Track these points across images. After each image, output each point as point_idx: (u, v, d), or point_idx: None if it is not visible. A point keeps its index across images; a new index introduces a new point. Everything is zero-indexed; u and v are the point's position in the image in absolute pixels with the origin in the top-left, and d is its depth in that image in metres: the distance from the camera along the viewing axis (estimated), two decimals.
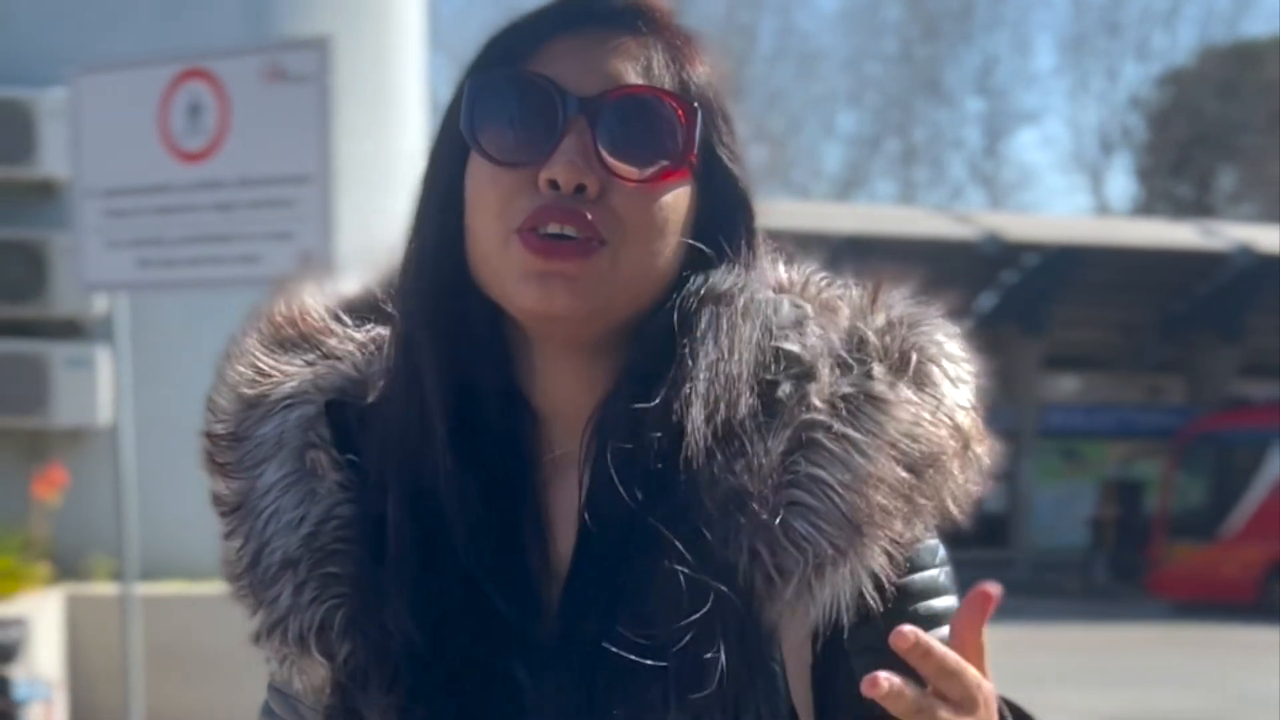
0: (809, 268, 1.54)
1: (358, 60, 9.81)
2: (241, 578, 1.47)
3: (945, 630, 1.39)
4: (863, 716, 1.33)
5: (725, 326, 1.42)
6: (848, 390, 1.42)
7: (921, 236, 26.63)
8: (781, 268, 1.53)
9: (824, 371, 1.43)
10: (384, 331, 1.53)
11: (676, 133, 1.42)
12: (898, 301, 1.50)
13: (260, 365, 1.52)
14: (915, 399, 1.43)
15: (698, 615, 1.35)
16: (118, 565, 7.92)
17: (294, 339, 1.54)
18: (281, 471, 1.47)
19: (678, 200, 1.43)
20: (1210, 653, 18.66)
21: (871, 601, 1.40)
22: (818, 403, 1.41)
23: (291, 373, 1.51)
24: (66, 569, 9.60)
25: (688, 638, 1.35)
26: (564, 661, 1.38)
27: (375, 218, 10.11)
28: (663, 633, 1.36)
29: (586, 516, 1.41)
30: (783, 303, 1.49)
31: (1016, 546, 29.30)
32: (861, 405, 1.41)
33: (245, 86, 6.95)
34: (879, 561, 1.39)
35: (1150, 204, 42.96)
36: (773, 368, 1.44)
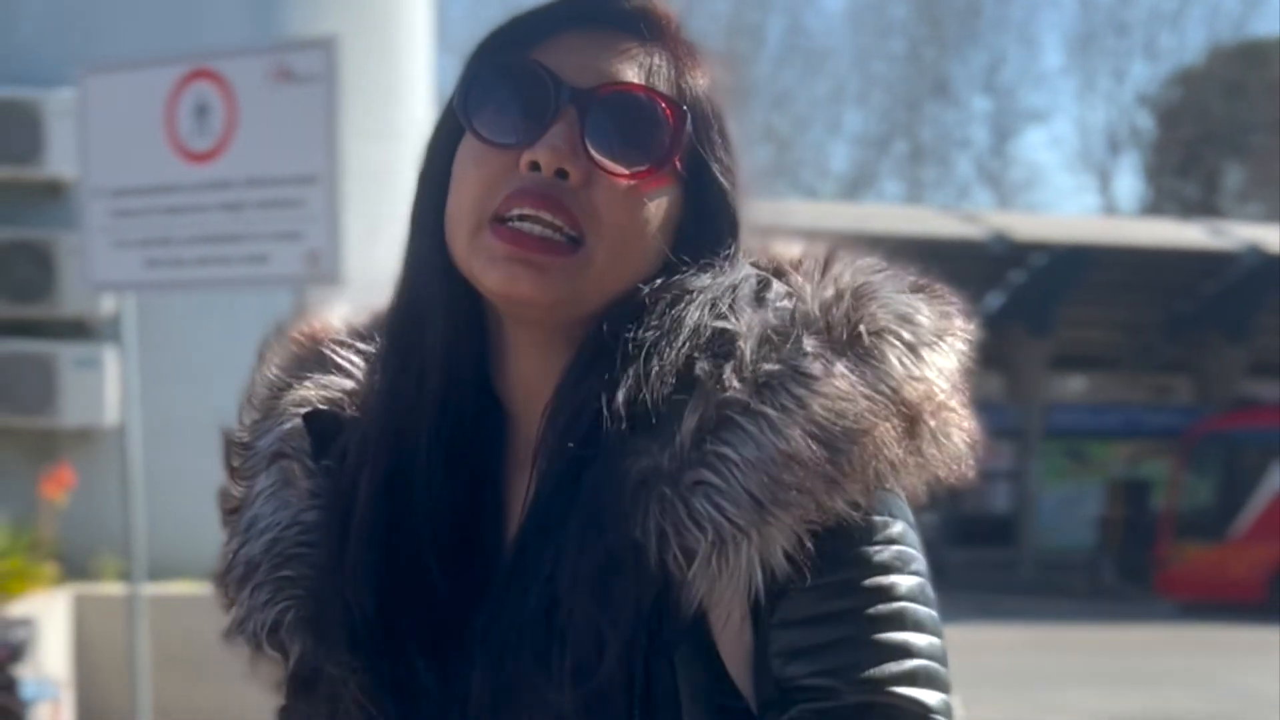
0: (821, 247, 1.51)
1: (365, 60, 9.82)
2: (220, 578, 1.56)
3: (900, 605, 1.38)
4: (779, 688, 1.37)
5: (672, 313, 1.42)
6: (773, 367, 1.38)
7: (929, 236, 26.59)
8: (795, 248, 1.52)
9: (746, 348, 1.39)
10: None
11: (665, 135, 1.43)
12: (850, 271, 1.47)
13: (273, 378, 1.59)
14: (849, 373, 1.38)
15: (609, 598, 1.36)
16: (125, 565, 7.93)
17: (312, 355, 1.59)
18: (269, 480, 1.54)
19: (661, 206, 1.44)
20: (1217, 653, 18.64)
21: (783, 577, 1.36)
22: (734, 381, 1.38)
23: (298, 385, 1.57)
24: (74, 569, 9.61)
25: (597, 620, 1.36)
26: (485, 644, 1.40)
27: (382, 218, 10.13)
28: (575, 615, 1.37)
29: (531, 502, 1.44)
30: (750, 279, 1.47)
31: (1023, 546, 29.30)
32: (785, 382, 1.38)
33: (252, 87, 6.95)
34: (791, 540, 1.35)
35: (1158, 204, 42.94)
36: (703, 346, 1.42)
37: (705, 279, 1.44)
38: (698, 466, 1.36)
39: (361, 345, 1.59)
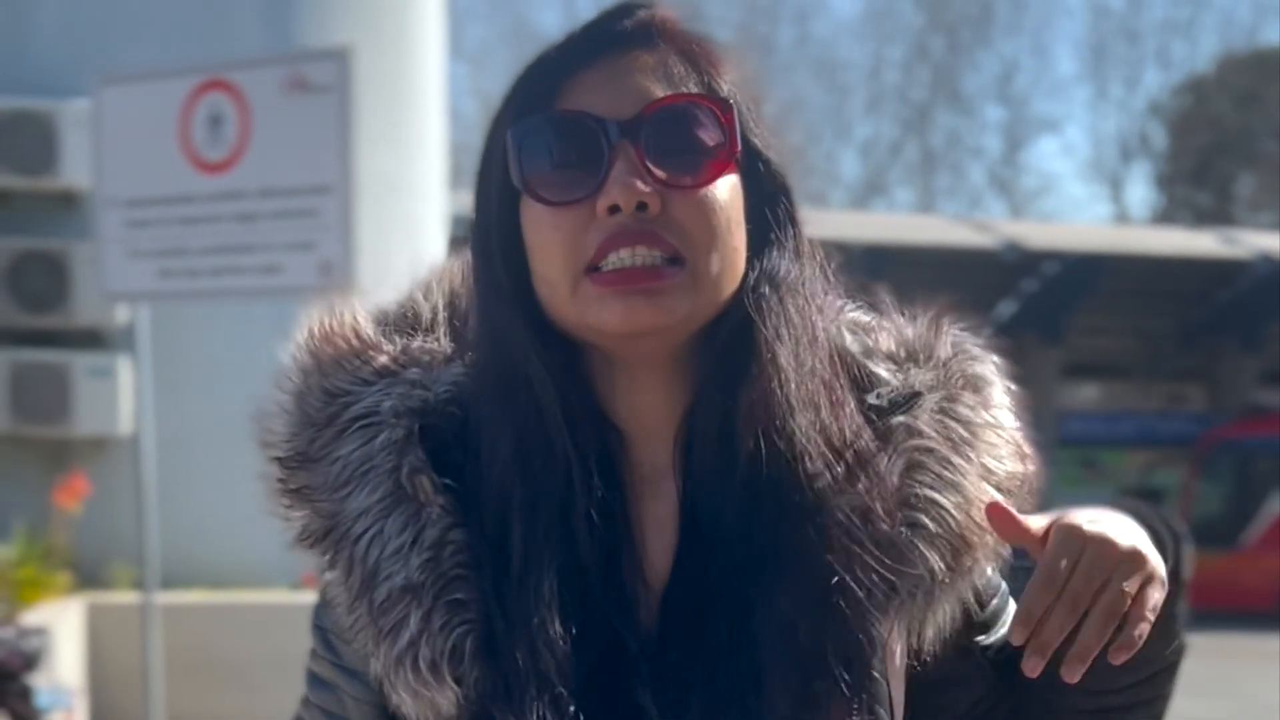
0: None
1: (378, 70, 9.84)
2: (355, 607, 1.43)
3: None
4: None
5: (795, 319, 1.45)
6: (944, 416, 1.49)
7: (941, 245, 26.60)
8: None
9: (929, 398, 1.49)
10: (432, 346, 1.53)
11: (718, 130, 1.44)
12: (953, 328, 1.57)
13: (327, 385, 1.50)
14: (990, 422, 1.51)
15: (808, 630, 1.39)
16: (138, 574, 7.94)
17: (349, 356, 1.52)
18: (375, 496, 1.44)
19: (732, 194, 1.45)
20: (1230, 661, 18.59)
21: (969, 616, 1.52)
22: (928, 429, 1.48)
23: (359, 391, 1.49)
24: (88, 578, 9.62)
25: (799, 654, 1.39)
26: (679, 679, 1.40)
27: (396, 228, 10.14)
28: (774, 651, 1.39)
29: (684, 528, 1.45)
30: (845, 319, 1.55)
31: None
32: (957, 430, 1.49)
33: (266, 97, 6.97)
34: (982, 580, 1.50)
35: (1170, 212, 42.86)
36: (870, 389, 1.50)
37: (785, 263, 1.47)
38: (907, 509, 1.45)
39: (400, 344, 1.53)
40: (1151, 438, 30.39)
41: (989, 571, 1.52)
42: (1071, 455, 29.80)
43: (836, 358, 1.49)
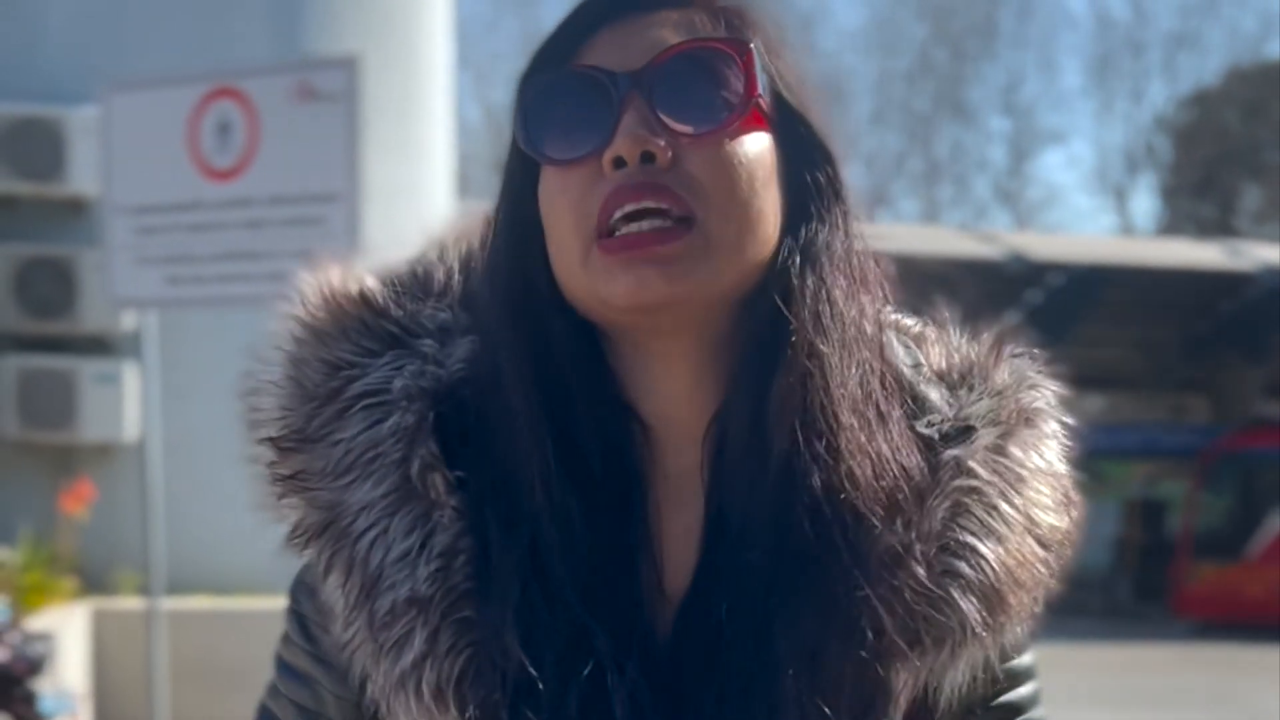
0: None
1: (386, 78, 9.86)
2: (353, 619, 1.30)
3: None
4: None
5: (839, 301, 1.32)
6: (997, 455, 1.36)
7: (946, 256, 26.59)
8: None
9: (984, 433, 1.36)
10: (445, 315, 1.39)
11: (736, 78, 1.30)
12: (1013, 354, 1.45)
13: (328, 356, 1.35)
14: (1042, 468, 1.39)
15: (832, 664, 1.28)
16: (144, 580, 7.95)
17: (355, 323, 1.37)
18: (381, 489, 1.30)
19: (759, 152, 1.31)
20: (1234, 673, 18.59)
21: (986, 676, 1.38)
22: (979, 469, 1.35)
23: (365, 363, 1.34)
24: (93, 583, 9.64)
25: (819, 688, 1.28)
26: (688, 699, 1.29)
27: (403, 235, 10.15)
28: (795, 681, 1.28)
29: (708, 538, 1.32)
30: (893, 321, 1.43)
31: None
32: (1009, 473, 1.36)
33: (274, 105, 6.99)
34: (1011, 640, 1.38)
35: (1175, 224, 42.85)
36: (921, 417, 1.37)
37: (826, 232, 1.33)
38: (945, 554, 1.32)
39: (427, 310, 1.39)
40: (1155, 449, 30.37)
41: (1018, 631, 1.39)
42: (1075, 466, 29.77)
43: (885, 363, 1.35)
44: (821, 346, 1.30)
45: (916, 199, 46.13)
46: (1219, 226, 40.75)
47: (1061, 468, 1.41)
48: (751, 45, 1.31)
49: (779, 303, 1.29)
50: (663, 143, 1.27)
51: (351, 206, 6.84)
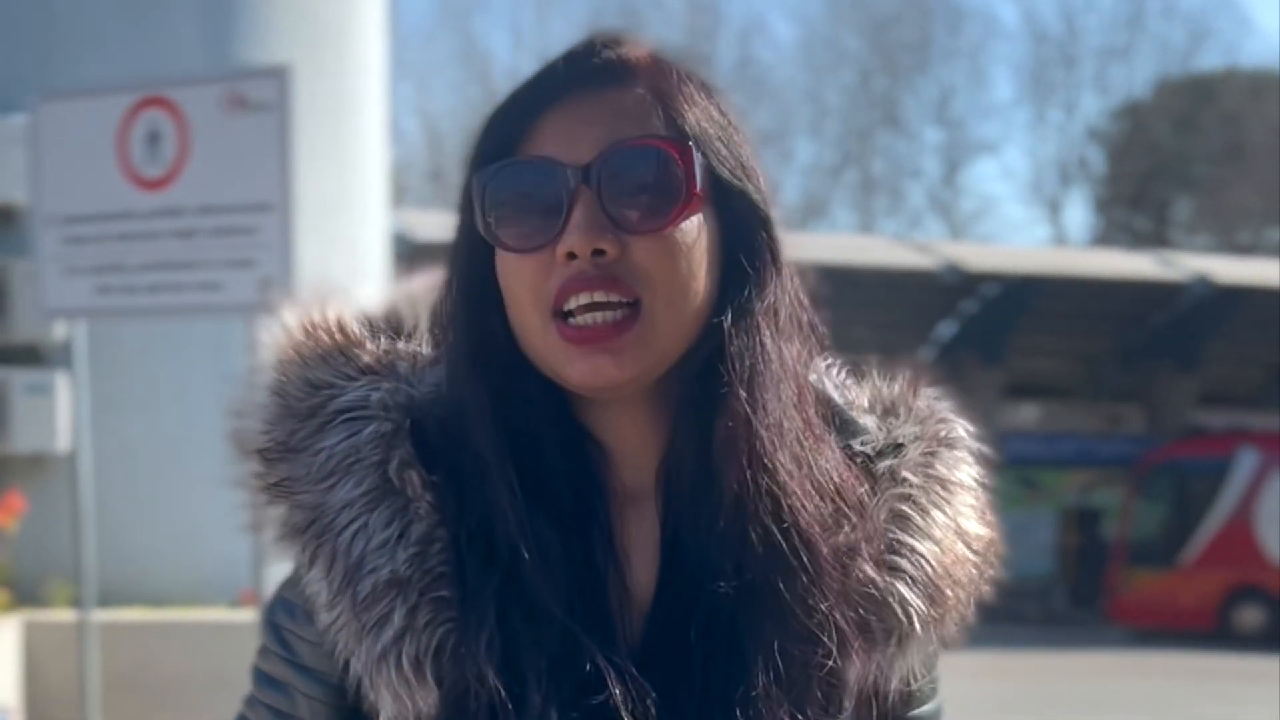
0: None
1: (318, 88, 9.82)
2: (336, 603, 1.41)
3: None
4: None
5: (772, 354, 1.45)
6: (925, 469, 1.52)
7: (881, 266, 26.71)
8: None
9: (912, 448, 1.52)
10: (415, 349, 1.52)
11: (677, 172, 1.41)
12: (927, 390, 1.60)
13: (310, 377, 1.48)
14: (964, 483, 1.54)
15: (796, 664, 1.41)
16: (76, 592, 7.89)
17: (333, 351, 1.50)
18: (361, 489, 1.42)
19: (698, 234, 1.42)
20: (1169, 680, 18.72)
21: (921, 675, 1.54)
22: (912, 478, 1.50)
23: (344, 385, 1.47)
24: (25, 595, 9.57)
25: (785, 687, 1.41)
26: (657, 697, 1.39)
27: (336, 245, 10.12)
28: (762, 680, 1.40)
29: (666, 550, 1.45)
30: (824, 369, 1.57)
31: None
32: (936, 485, 1.52)
33: (205, 114, 6.95)
34: (950, 636, 1.51)
35: (1108, 235, 43.19)
36: (855, 436, 1.52)
37: (758, 296, 1.45)
38: (889, 554, 1.47)
39: (400, 345, 1.53)
40: (1091, 458, 30.58)
41: (953, 630, 1.52)
42: (1011, 474, 29.93)
43: (816, 398, 1.50)
44: (757, 391, 1.43)
45: (852, 209, 46.34)
46: (1152, 238, 41.09)
47: (978, 487, 1.56)
48: (690, 140, 1.42)
49: (720, 354, 1.43)
50: (611, 238, 1.39)
51: (284, 216, 6.80)
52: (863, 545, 1.44)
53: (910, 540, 1.47)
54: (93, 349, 7.76)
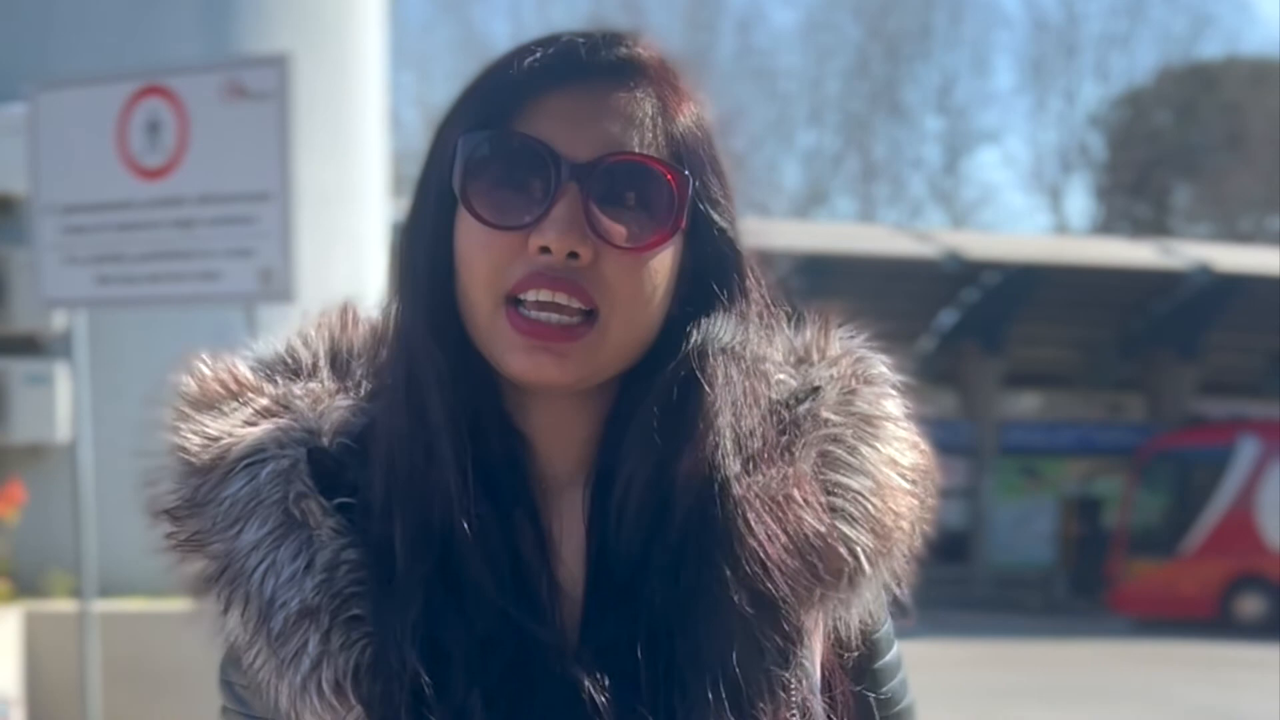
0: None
1: (318, 77, 9.80)
2: (254, 642, 1.40)
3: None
4: None
5: (736, 382, 1.44)
6: (846, 407, 1.51)
7: (882, 254, 26.70)
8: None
9: (829, 389, 1.51)
10: (315, 388, 1.51)
11: (669, 201, 1.40)
12: (840, 330, 1.59)
13: (208, 431, 1.47)
14: (891, 414, 1.53)
15: (739, 623, 1.40)
16: (76, 582, 7.88)
17: (225, 400, 1.50)
18: (265, 529, 1.41)
19: (666, 262, 1.41)
20: (1169, 668, 18.72)
21: (868, 623, 1.53)
22: (833, 417, 1.49)
23: (242, 433, 1.46)
24: (25, 586, 9.55)
25: (728, 647, 1.39)
26: (598, 679, 1.38)
27: (336, 235, 10.10)
28: (706, 645, 1.39)
29: (598, 535, 1.44)
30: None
31: (977, 563, 29.38)
32: (859, 421, 1.51)
33: (205, 103, 6.93)
34: (900, 570, 1.50)
35: (1109, 223, 43.19)
36: (783, 402, 1.50)
37: (730, 329, 1.45)
38: (825, 495, 1.46)
39: (297, 387, 1.51)
40: (1091, 447, 30.61)
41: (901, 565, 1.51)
42: (1012, 463, 29.97)
43: (771, 414, 1.49)
44: (720, 419, 1.42)
45: (853, 197, 46.34)
46: (1153, 226, 41.09)
47: (905, 418, 1.54)
48: (686, 169, 1.41)
49: (687, 379, 1.42)
50: (589, 244, 1.37)
51: (283, 206, 6.79)
52: (794, 490, 1.43)
53: (843, 479, 1.46)
54: (93, 339, 7.75)
